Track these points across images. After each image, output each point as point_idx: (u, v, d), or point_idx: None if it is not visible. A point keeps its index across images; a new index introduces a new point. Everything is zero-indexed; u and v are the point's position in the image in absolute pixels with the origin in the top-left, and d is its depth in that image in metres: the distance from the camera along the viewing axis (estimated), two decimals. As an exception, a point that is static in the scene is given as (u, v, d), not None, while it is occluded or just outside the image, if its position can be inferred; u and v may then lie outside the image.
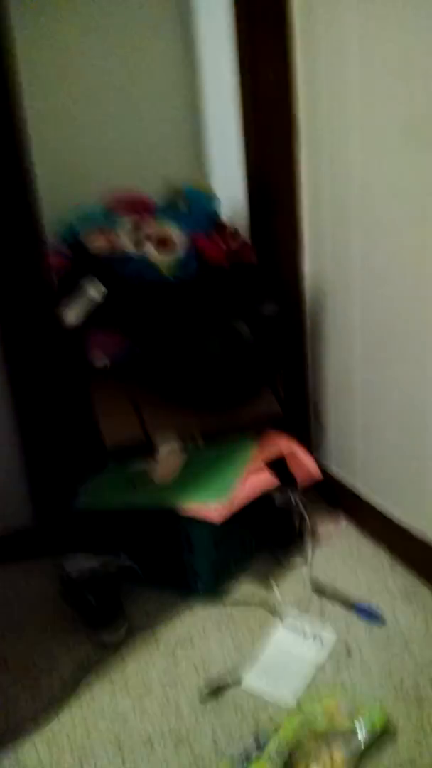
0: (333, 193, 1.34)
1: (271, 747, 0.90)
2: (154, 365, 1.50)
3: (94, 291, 1.42)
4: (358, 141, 1.22)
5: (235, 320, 1.44)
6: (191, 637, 1.18)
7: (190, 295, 1.43)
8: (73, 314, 1.42)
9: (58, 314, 1.43)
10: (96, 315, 1.47)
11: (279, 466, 1.44)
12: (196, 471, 1.38)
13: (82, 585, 1.22)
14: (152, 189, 1.63)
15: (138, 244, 1.45)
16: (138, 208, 1.64)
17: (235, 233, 1.60)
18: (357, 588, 1.27)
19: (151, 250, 1.41)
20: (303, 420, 1.66)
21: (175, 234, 1.43)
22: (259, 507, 1.41)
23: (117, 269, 1.45)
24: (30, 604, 1.33)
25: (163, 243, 1.42)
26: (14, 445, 1.46)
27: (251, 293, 1.51)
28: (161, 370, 1.49)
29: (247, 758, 0.90)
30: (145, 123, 1.91)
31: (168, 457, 1.45)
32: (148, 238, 1.44)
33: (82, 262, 1.58)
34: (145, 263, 1.40)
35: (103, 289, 1.43)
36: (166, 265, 1.39)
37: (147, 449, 1.48)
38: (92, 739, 0.98)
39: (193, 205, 1.49)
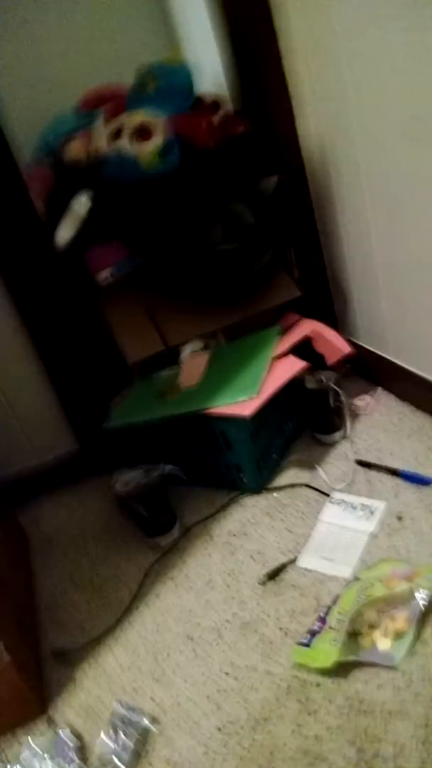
0: (328, 43, 1.18)
1: (333, 618, 0.92)
2: (157, 268, 1.43)
3: (78, 204, 1.34)
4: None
5: (231, 202, 1.34)
6: (243, 528, 1.20)
7: (179, 185, 1.33)
8: (63, 234, 1.35)
9: (49, 237, 1.36)
10: (88, 229, 1.40)
11: (307, 347, 1.39)
12: (222, 370, 1.35)
13: (131, 498, 1.24)
14: (129, 80, 1.48)
15: (114, 138, 1.34)
16: (108, 99, 1.50)
17: (218, 103, 1.45)
18: (401, 455, 1.25)
19: (126, 144, 1.30)
20: (324, 296, 1.58)
21: (150, 119, 1.31)
22: (292, 392, 1.38)
23: (96, 174, 1.36)
24: (88, 522, 1.38)
25: (138, 133, 1.30)
26: (43, 380, 1.46)
27: (247, 167, 1.39)
28: (165, 272, 1.42)
29: (311, 633, 0.92)
30: (109, 9, 1.71)
31: (191, 360, 1.42)
32: (123, 129, 1.33)
33: (62, 175, 1.48)
34: (123, 160, 1.29)
35: (85, 200, 1.34)
36: (147, 157, 1.28)
37: (169, 357, 1.45)
38: (163, 635, 1.03)
39: (164, 83, 1.34)
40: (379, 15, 1.01)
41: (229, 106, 1.48)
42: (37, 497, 1.50)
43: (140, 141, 1.31)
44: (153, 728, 0.89)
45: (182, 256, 1.35)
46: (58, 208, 1.39)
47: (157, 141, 1.30)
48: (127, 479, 1.26)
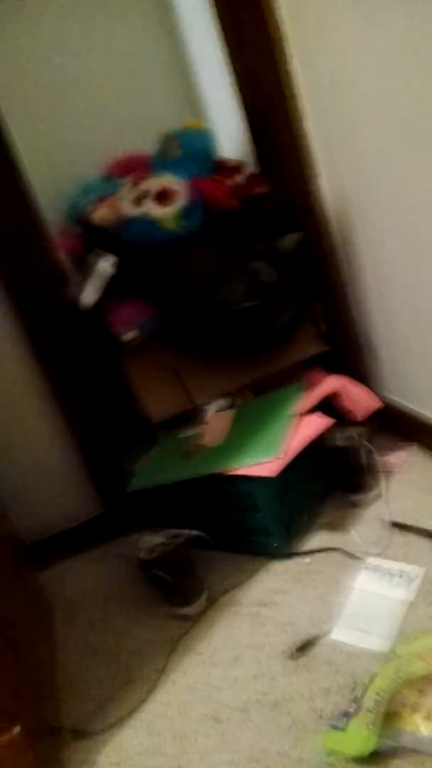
0: (336, 102, 1.20)
1: (369, 699, 0.85)
2: (182, 326, 1.43)
3: (105, 264, 1.36)
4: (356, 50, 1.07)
5: (252, 261, 1.34)
6: (273, 597, 1.14)
7: (201, 245, 1.34)
8: (89, 294, 1.37)
9: (74, 298, 1.38)
10: (113, 288, 1.42)
11: (334, 404, 1.36)
12: (246, 428, 1.32)
13: (155, 563, 1.20)
14: (151, 146, 1.53)
15: (138, 203, 1.37)
16: (134, 166, 1.55)
17: (239, 166, 1.48)
18: (438, 516, 1.19)
19: (151, 206, 1.32)
20: (351, 350, 1.55)
21: (173, 183, 1.34)
22: (321, 450, 1.34)
23: (122, 236, 1.38)
24: (113, 589, 1.33)
25: (162, 196, 1.33)
26: (67, 441, 1.45)
27: (268, 226, 1.40)
28: (190, 330, 1.42)
29: (345, 715, 0.85)
30: (130, 80, 1.79)
31: (215, 418, 1.40)
32: (147, 194, 1.36)
33: (89, 237, 1.52)
34: (147, 222, 1.32)
35: (112, 260, 1.37)
36: (170, 218, 1.31)
37: (193, 414, 1.43)
38: (189, 716, 0.97)
39: (186, 148, 1.38)
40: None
41: (249, 169, 1.51)
42: (63, 562, 1.47)
43: (163, 204, 1.34)
44: None
45: (205, 314, 1.35)
46: (86, 270, 1.42)
47: (178, 204, 1.32)
48: (152, 544, 1.22)
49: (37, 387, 1.38)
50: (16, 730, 0.84)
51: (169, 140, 1.42)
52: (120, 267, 1.39)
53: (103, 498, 1.50)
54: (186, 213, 1.33)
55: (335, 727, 0.84)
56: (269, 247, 1.37)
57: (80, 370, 1.40)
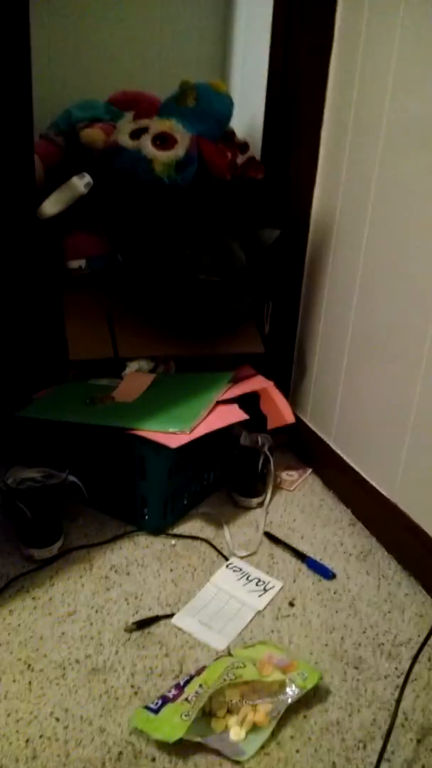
0: (356, 128, 1.20)
1: (190, 689, 0.83)
2: (134, 276, 1.37)
3: (79, 181, 1.28)
4: (390, 78, 1.07)
5: (228, 238, 1.31)
6: (128, 566, 1.10)
7: (185, 202, 1.29)
8: (51, 205, 1.28)
9: (35, 207, 1.29)
10: (78, 211, 1.33)
11: (251, 406, 1.34)
12: (162, 395, 1.27)
13: (19, 494, 1.13)
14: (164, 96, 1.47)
15: (135, 138, 1.30)
16: (140, 102, 1.48)
17: (244, 145, 1.45)
18: (311, 541, 1.20)
19: (147, 144, 1.26)
20: (285, 363, 1.55)
21: (178, 131, 1.28)
22: (222, 443, 1.32)
23: (108, 162, 1.31)
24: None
25: (162, 138, 1.27)
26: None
27: (252, 213, 1.37)
28: (141, 283, 1.36)
29: (163, 699, 0.82)
30: (170, 22, 1.72)
31: (134, 376, 1.34)
32: (147, 132, 1.29)
33: (73, 152, 1.43)
34: (139, 157, 1.25)
35: (88, 180, 1.28)
36: (163, 163, 1.24)
37: (112, 368, 1.37)
38: (1, 655, 0.90)
39: (202, 103, 1.32)
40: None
41: (251, 153, 1.48)
42: None
43: (161, 147, 1.27)
44: None
45: (162, 271, 1.29)
46: (56, 183, 1.33)
47: (178, 152, 1.26)
48: (22, 477, 1.15)
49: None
50: None
51: (187, 89, 1.36)
52: (91, 193, 1.31)
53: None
54: (180, 165, 1.27)
55: (149, 708, 0.81)
56: (247, 233, 1.33)
57: (14, 280, 1.30)
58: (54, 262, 1.36)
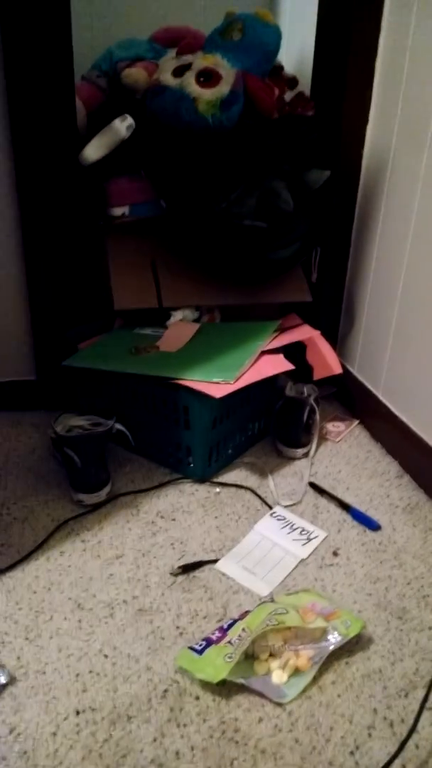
0: (413, 59, 1.11)
1: (234, 632, 0.84)
2: (177, 223, 1.34)
3: (121, 124, 1.24)
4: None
5: (274, 181, 1.26)
6: (173, 512, 1.12)
7: (229, 142, 1.24)
8: (94, 149, 1.26)
9: (78, 152, 1.26)
10: (121, 156, 1.30)
11: (297, 355, 1.32)
12: (206, 345, 1.26)
13: (69, 442, 1.15)
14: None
15: (178, 75, 1.25)
16: (185, 39, 1.41)
17: (292, 80, 1.37)
18: (357, 493, 1.19)
19: (191, 82, 1.20)
20: (333, 312, 1.51)
21: (222, 67, 1.22)
22: (268, 394, 1.31)
23: (150, 102, 1.26)
24: (18, 455, 1.28)
25: (206, 75, 1.21)
26: (21, 298, 1.37)
27: (301, 153, 1.31)
28: (185, 230, 1.33)
29: (207, 641, 0.84)
30: None
31: (178, 326, 1.33)
32: (190, 69, 1.23)
33: (115, 93, 1.38)
34: (182, 96, 1.20)
35: (130, 122, 1.25)
36: (207, 102, 1.19)
37: (157, 315, 1.36)
38: (53, 595, 0.94)
39: (248, 36, 1.25)
40: None
41: (301, 88, 1.40)
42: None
43: (205, 85, 1.22)
44: (7, 688, 0.80)
45: (206, 217, 1.26)
46: (99, 127, 1.29)
47: (222, 90, 1.21)
48: (71, 424, 1.17)
49: (7, 227, 1.28)
50: None
51: (232, 21, 1.28)
52: (133, 136, 1.28)
53: (37, 365, 1.43)
54: (225, 103, 1.22)
55: (193, 649, 0.84)
56: (295, 175, 1.28)
57: (58, 229, 1.30)
58: (97, 209, 1.35)
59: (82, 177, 1.29)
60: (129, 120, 1.24)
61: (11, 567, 0.99)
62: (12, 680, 0.81)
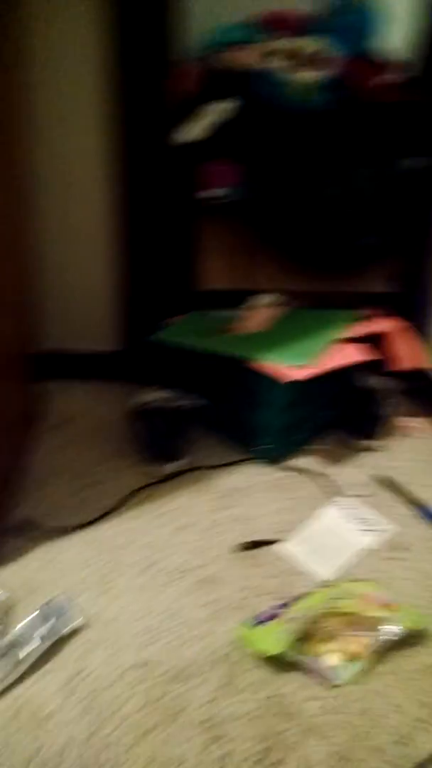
0: None
1: (294, 611, 0.87)
2: (267, 206, 1.35)
3: (220, 106, 1.26)
4: None
5: (371, 168, 1.24)
6: (245, 489, 1.15)
7: (327, 127, 1.23)
8: (193, 130, 1.28)
9: (177, 133, 1.30)
10: (217, 138, 1.32)
11: (377, 346, 1.30)
12: (286, 329, 1.28)
13: (151, 413, 1.21)
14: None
15: (278, 59, 1.25)
16: (286, 22, 1.40)
17: (399, 63, 1.33)
18: (426, 490, 1.17)
19: (293, 65, 1.20)
20: (420, 303, 1.47)
21: (323, 49, 1.21)
22: (344, 383, 1.31)
23: (249, 85, 1.27)
24: (103, 423, 1.36)
25: (306, 59, 1.20)
26: (116, 271, 1.43)
27: (400, 139, 1.28)
28: (274, 213, 1.34)
29: (268, 615, 0.88)
30: None
31: (262, 309, 1.35)
32: (291, 53, 1.23)
33: (214, 76, 1.40)
34: (283, 80, 1.20)
35: (229, 105, 1.26)
36: (306, 85, 1.19)
37: (241, 297, 1.39)
38: (126, 554, 1.00)
39: (352, 17, 1.23)
40: None
41: (410, 71, 1.36)
42: (66, 381, 1.49)
43: (307, 68, 1.21)
44: (79, 633, 0.86)
45: (295, 202, 1.26)
46: (197, 109, 1.32)
47: (321, 74, 1.20)
48: (153, 397, 1.22)
49: (108, 207, 1.34)
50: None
51: (333, 3, 1.26)
52: (231, 119, 1.29)
53: (127, 338, 1.49)
54: (324, 87, 1.21)
55: (252, 622, 0.87)
56: (390, 161, 1.25)
57: (154, 208, 1.34)
58: (189, 191, 1.37)
59: (180, 157, 1.32)
60: (227, 103, 1.25)
61: (90, 523, 1.06)
62: (85, 625, 0.87)
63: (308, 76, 1.20)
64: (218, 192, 1.37)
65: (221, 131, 1.31)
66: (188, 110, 1.34)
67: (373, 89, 1.24)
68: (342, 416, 1.36)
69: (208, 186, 1.38)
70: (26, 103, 1.24)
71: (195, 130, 1.27)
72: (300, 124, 1.23)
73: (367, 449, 1.29)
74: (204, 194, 1.38)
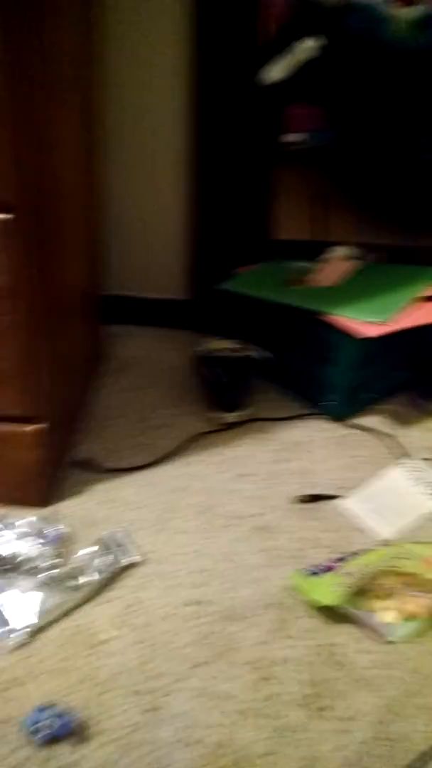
0: None
1: (352, 566, 0.85)
2: (352, 153, 1.29)
3: (307, 44, 1.20)
4: None
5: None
6: (308, 444, 1.13)
7: (424, 68, 1.15)
8: (277, 69, 1.23)
9: (261, 73, 1.24)
10: (305, 78, 1.26)
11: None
12: (364, 284, 1.22)
13: (218, 361, 1.20)
14: None
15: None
16: None
17: None
18: None
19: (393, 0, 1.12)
20: None
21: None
22: (421, 343, 1.25)
23: (341, 20, 1.20)
24: (168, 368, 1.36)
25: (407, -9, 1.12)
26: (187, 219, 1.41)
27: None
28: (359, 161, 1.28)
29: (325, 567, 0.86)
30: None
31: (336, 262, 1.30)
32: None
33: (305, 9, 1.33)
34: (378, 15, 1.13)
35: (319, 42, 1.20)
36: (404, 21, 1.11)
37: (318, 248, 1.34)
38: (185, 497, 1.00)
39: None
40: None
41: None
42: (134, 326, 1.49)
43: (405, 2, 1.13)
44: (135, 567, 0.87)
45: (382, 148, 1.19)
46: (284, 45, 1.26)
47: (423, 8, 1.11)
48: (220, 346, 1.21)
49: (182, 150, 1.31)
50: (45, 425, 0.89)
51: None
52: (320, 57, 1.22)
53: (195, 286, 1.48)
54: (424, 23, 1.12)
55: (309, 571, 0.86)
56: None
57: (230, 152, 1.30)
58: (271, 134, 1.33)
59: (261, 99, 1.27)
60: (318, 40, 1.19)
61: (149, 465, 1.06)
62: (142, 561, 0.88)
63: (405, 11, 1.12)
64: (300, 137, 1.32)
65: (308, 71, 1.25)
66: (275, 48, 1.29)
67: None
68: (416, 378, 1.30)
69: (289, 130, 1.32)
70: (99, 41, 1.22)
71: (281, 69, 1.21)
72: (398, 65, 1.15)
73: (440, 414, 1.24)
74: (284, 139, 1.33)
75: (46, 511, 0.96)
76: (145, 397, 1.25)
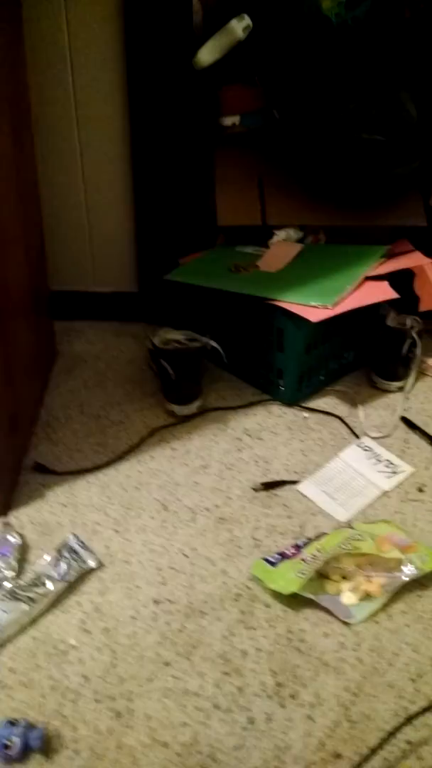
0: None
1: (309, 551, 0.87)
2: (290, 134, 1.28)
3: (237, 24, 1.17)
4: None
5: (401, 90, 1.15)
6: (260, 432, 1.14)
7: (354, 45, 1.14)
8: (208, 51, 1.20)
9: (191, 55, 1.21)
10: (236, 60, 1.24)
11: (403, 284, 1.25)
12: (307, 267, 1.22)
13: (165, 354, 1.19)
14: None
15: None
16: None
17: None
18: (452, 431, 1.15)
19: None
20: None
21: None
22: (367, 322, 1.26)
23: (270, 3, 1.18)
24: (118, 363, 1.34)
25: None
26: (128, 211, 1.38)
27: None
28: (297, 142, 1.27)
29: (282, 555, 0.88)
30: None
31: (281, 245, 1.30)
32: (318, -41, 1.13)
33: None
34: (305, -7, 1.11)
35: (248, 23, 1.17)
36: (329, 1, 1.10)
37: (260, 233, 1.33)
38: (142, 495, 1.01)
39: None
40: None
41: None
42: (80, 321, 1.47)
43: (330, -22, 1.11)
44: (95, 572, 0.87)
45: (320, 128, 1.19)
46: (216, 28, 1.23)
47: (349, -16, 1.10)
48: (168, 338, 1.20)
49: (118, 139, 1.28)
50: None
51: None
52: (250, 38, 1.20)
53: (140, 278, 1.45)
54: (351, 1, 1.11)
55: (268, 561, 0.87)
56: (425, 83, 1.16)
57: (167, 139, 1.27)
58: (208, 118, 1.30)
59: (194, 82, 1.24)
60: (246, 20, 1.17)
61: (105, 465, 1.06)
62: (100, 566, 0.88)
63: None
64: (236, 119, 1.30)
65: (240, 52, 1.23)
66: (208, 27, 1.26)
67: (403, 2, 1.14)
68: (365, 357, 1.32)
69: (226, 112, 1.30)
70: (29, 34, 1.17)
71: (211, 51, 1.19)
72: (323, 42, 1.14)
73: (390, 390, 1.26)
74: (223, 121, 1.31)
75: (1, 519, 0.95)
76: (101, 394, 1.24)
